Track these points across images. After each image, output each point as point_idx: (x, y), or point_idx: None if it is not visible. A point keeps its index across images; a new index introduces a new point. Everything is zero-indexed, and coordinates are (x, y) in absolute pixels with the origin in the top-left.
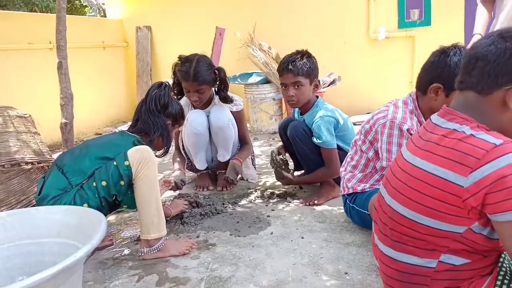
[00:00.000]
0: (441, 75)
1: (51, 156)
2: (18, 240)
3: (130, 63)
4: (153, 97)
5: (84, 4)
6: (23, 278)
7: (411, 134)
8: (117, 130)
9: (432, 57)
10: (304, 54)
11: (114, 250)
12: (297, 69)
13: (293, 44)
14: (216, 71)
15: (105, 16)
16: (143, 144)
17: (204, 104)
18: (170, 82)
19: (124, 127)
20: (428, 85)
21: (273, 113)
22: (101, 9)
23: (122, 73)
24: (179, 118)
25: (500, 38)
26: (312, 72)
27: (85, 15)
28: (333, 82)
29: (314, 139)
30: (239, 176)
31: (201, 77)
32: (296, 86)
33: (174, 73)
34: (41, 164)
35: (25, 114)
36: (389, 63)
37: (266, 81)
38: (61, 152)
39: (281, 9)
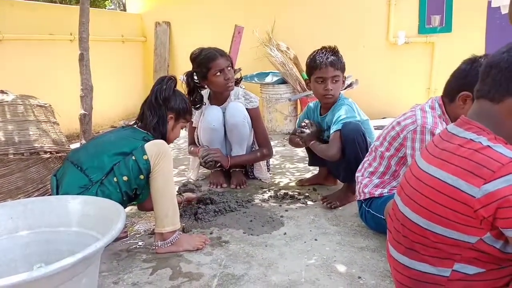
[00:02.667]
0: (471, 84)
1: (69, 146)
2: (37, 227)
3: (148, 58)
4: (154, 91)
5: None
6: (41, 265)
7: None
8: (125, 125)
9: (464, 65)
10: (336, 50)
11: (128, 242)
12: (336, 63)
13: (311, 45)
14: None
15: (125, 10)
16: (151, 139)
17: (220, 101)
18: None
19: (132, 122)
20: (456, 93)
21: (288, 114)
22: (121, 3)
23: (140, 68)
24: (183, 112)
25: None
26: (344, 68)
27: (105, 8)
28: (350, 85)
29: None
30: (208, 157)
31: (223, 52)
32: (334, 81)
33: (190, 78)
34: (59, 154)
35: (45, 104)
36: (407, 69)
37: (283, 81)
38: (76, 145)
39: (300, 10)
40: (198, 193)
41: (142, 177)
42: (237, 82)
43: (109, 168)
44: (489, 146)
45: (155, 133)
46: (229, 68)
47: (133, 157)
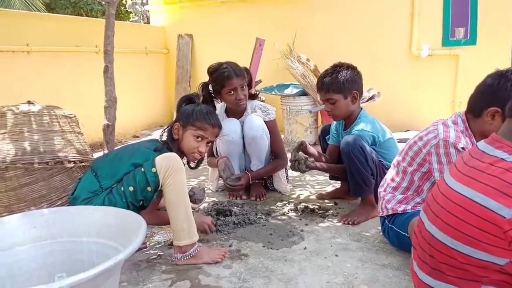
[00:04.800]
0: (501, 100)
1: (92, 155)
2: (59, 237)
3: (170, 70)
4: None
5: (129, 10)
6: (62, 276)
7: None
8: (155, 138)
9: (490, 79)
10: (336, 70)
11: (148, 252)
12: (327, 87)
13: (332, 57)
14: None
15: (149, 23)
16: (161, 149)
17: (238, 114)
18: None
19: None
20: (484, 108)
21: (308, 126)
22: (145, 16)
23: (162, 79)
24: (186, 118)
25: None
26: (343, 87)
27: (128, 20)
28: (372, 98)
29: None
30: (230, 177)
31: (240, 72)
32: (329, 103)
33: (205, 89)
34: (83, 164)
35: (71, 114)
36: (430, 82)
37: (303, 93)
38: (99, 154)
39: (321, 22)
40: (203, 195)
41: (149, 189)
42: (254, 97)
43: (120, 176)
44: None
45: (171, 145)
46: (243, 87)
47: (142, 169)
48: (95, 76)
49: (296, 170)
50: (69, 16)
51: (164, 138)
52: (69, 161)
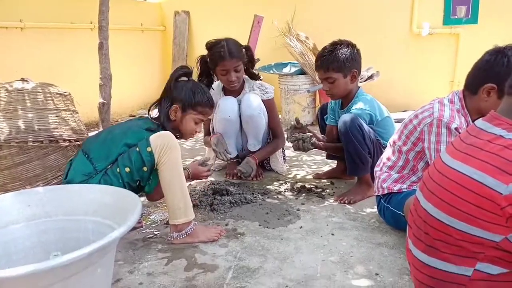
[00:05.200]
0: (497, 76)
1: (88, 135)
2: (54, 215)
3: (167, 48)
4: (167, 84)
5: None
6: (57, 254)
7: (459, 133)
8: (143, 115)
9: (487, 56)
10: (335, 47)
11: (144, 231)
12: (326, 65)
13: (331, 35)
14: (244, 49)
15: None
16: (154, 127)
17: (235, 92)
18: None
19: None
20: (480, 85)
21: (306, 105)
22: None
23: (158, 57)
24: (188, 103)
25: None
26: (344, 65)
27: None
28: (371, 77)
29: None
30: (251, 173)
31: (236, 53)
32: (328, 82)
33: (202, 64)
34: (78, 142)
35: (65, 92)
36: (430, 60)
37: (301, 72)
38: (94, 133)
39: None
40: (208, 166)
41: (145, 169)
42: (254, 77)
43: (114, 157)
44: None
45: (165, 124)
46: (238, 68)
47: (137, 149)
48: (90, 53)
49: (299, 150)
50: None
51: (154, 115)
52: (64, 140)
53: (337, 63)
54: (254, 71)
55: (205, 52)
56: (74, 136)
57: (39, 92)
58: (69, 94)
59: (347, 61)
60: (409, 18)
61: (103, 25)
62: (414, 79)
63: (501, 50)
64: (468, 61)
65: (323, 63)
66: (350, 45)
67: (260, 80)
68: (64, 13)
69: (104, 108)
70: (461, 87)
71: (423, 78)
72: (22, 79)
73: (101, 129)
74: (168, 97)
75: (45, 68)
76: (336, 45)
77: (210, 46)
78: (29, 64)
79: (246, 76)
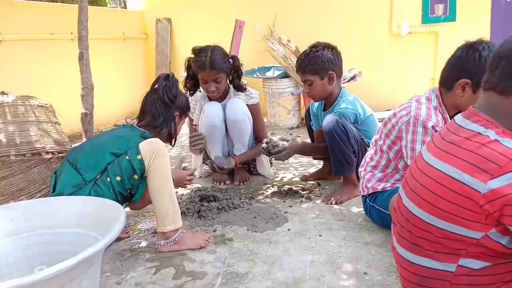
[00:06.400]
0: (469, 71)
1: (71, 146)
2: (38, 229)
3: (150, 56)
4: (162, 89)
5: None
6: (42, 268)
7: (436, 131)
8: (126, 123)
9: (459, 51)
10: (311, 50)
11: (131, 241)
12: (303, 68)
13: (313, 37)
14: (230, 59)
15: (126, 8)
16: (149, 137)
17: (220, 97)
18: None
19: (133, 121)
20: (454, 81)
21: (291, 108)
22: (121, 0)
23: (142, 65)
24: (186, 109)
25: None
26: (319, 67)
27: (106, 6)
28: (353, 78)
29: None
30: (225, 166)
31: (217, 65)
32: (307, 84)
33: (188, 66)
34: (62, 154)
35: (46, 104)
36: (411, 59)
37: (285, 75)
38: (75, 145)
39: (301, 2)
40: (191, 170)
41: (136, 177)
42: (240, 89)
43: (103, 167)
44: (497, 140)
45: (162, 131)
46: (218, 80)
47: (127, 157)
48: (71, 64)
49: (273, 155)
50: (43, 3)
51: (143, 123)
52: (47, 152)
53: (312, 65)
54: (239, 81)
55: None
56: (57, 148)
57: (19, 105)
58: (51, 105)
59: (323, 63)
60: (388, 18)
61: (83, 35)
62: (396, 78)
63: (472, 46)
64: (448, 58)
65: (300, 66)
66: (328, 47)
67: (246, 91)
68: (43, 24)
69: (87, 118)
70: None
71: (404, 77)
72: (2, 93)
73: (84, 140)
74: (167, 105)
75: (25, 80)
76: (313, 48)
77: (194, 52)
78: (9, 77)
79: None
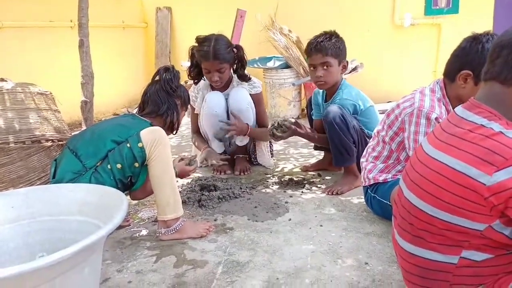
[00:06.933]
0: (471, 62)
1: (71, 134)
2: (39, 216)
3: (149, 44)
4: (165, 80)
5: None
6: (43, 255)
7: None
8: (127, 112)
9: (464, 43)
10: (333, 35)
11: (132, 229)
12: (326, 49)
13: (314, 28)
14: (234, 49)
15: None
16: (148, 126)
17: (223, 87)
18: (188, 65)
19: (135, 110)
20: (457, 72)
21: (291, 99)
22: None
23: (141, 54)
24: (186, 101)
25: None
26: (340, 53)
27: None
28: (354, 69)
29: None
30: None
31: (221, 55)
32: (324, 67)
33: (192, 55)
34: (61, 142)
35: (46, 91)
36: (413, 51)
37: (286, 65)
38: (75, 133)
39: None
40: (195, 165)
41: (137, 165)
42: (244, 79)
43: (103, 154)
44: (501, 132)
45: (165, 119)
46: (222, 70)
47: (128, 145)
48: (71, 52)
49: (276, 136)
50: None
51: (145, 112)
52: (47, 140)
53: (335, 49)
54: (244, 71)
55: (188, 48)
56: (57, 135)
57: (19, 92)
58: (50, 93)
59: (342, 50)
60: (391, 9)
61: (83, 22)
62: (398, 70)
63: (477, 37)
64: (450, 51)
65: (322, 47)
66: (339, 36)
67: (250, 81)
68: (43, 12)
69: (86, 106)
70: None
71: (406, 69)
72: (1, 79)
73: (84, 128)
74: (169, 95)
75: (25, 67)
76: (331, 34)
77: (198, 42)
78: (8, 64)
79: None
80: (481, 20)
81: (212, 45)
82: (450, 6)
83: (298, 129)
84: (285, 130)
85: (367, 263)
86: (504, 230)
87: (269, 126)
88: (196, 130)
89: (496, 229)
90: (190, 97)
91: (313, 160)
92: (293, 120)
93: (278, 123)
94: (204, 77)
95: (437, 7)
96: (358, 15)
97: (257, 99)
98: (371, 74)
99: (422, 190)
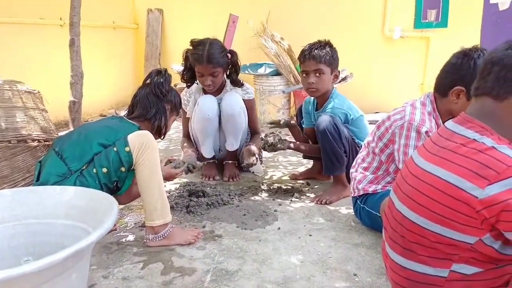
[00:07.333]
0: (464, 78)
1: (57, 134)
2: (24, 219)
3: (139, 46)
4: (155, 83)
5: None
6: (29, 259)
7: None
8: (115, 114)
9: (454, 58)
10: (327, 44)
11: (118, 234)
12: (320, 57)
13: (306, 36)
14: (228, 54)
15: None
16: (138, 130)
17: (216, 91)
18: (179, 68)
19: (123, 112)
20: (449, 88)
21: (281, 106)
22: None
23: (131, 56)
24: (177, 106)
25: None
26: (333, 62)
27: None
28: (344, 79)
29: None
30: (255, 158)
31: (215, 60)
32: (317, 74)
33: (186, 58)
34: (48, 142)
35: (34, 90)
36: (402, 63)
37: (277, 73)
38: (61, 134)
39: (296, 0)
40: (182, 167)
41: (123, 169)
42: (237, 84)
43: (89, 158)
44: (493, 147)
45: (151, 123)
46: (215, 74)
47: (115, 148)
48: (60, 51)
49: (271, 149)
50: None
51: (133, 115)
52: (33, 140)
53: (329, 58)
54: (237, 77)
55: (178, 51)
56: (44, 135)
57: (6, 89)
58: (38, 92)
59: (334, 60)
60: (381, 21)
61: (75, 21)
62: (386, 81)
63: (467, 53)
64: (437, 64)
65: (316, 54)
66: (333, 46)
67: (243, 87)
68: (32, 9)
69: (75, 107)
70: (431, 89)
71: (394, 81)
72: None
73: (71, 129)
74: (159, 99)
75: (13, 65)
76: (326, 43)
77: (193, 45)
78: None
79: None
80: (469, 35)
81: (206, 49)
82: (439, 20)
83: (290, 145)
84: (278, 144)
85: (356, 275)
86: (494, 244)
87: (263, 140)
88: (187, 134)
89: (486, 243)
90: (182, 101)
91: (302, 169)
92: (288, 119)
93: (272, 143)
94: (197, 80)
95: (426, 21)
96: (349, 25)
97: (249, 105)
98: (360, 84)
99: (414, 202)
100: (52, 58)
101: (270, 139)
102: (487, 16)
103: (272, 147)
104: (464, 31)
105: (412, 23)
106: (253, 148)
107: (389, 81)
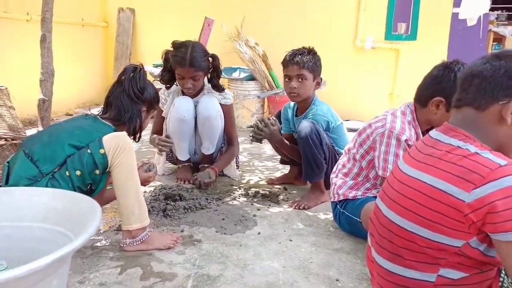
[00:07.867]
0: (444, 90)
1: (25, 133)
2: None
3: (109, 45)
4: (129, 82)
5: None
6: (2, 263)
7: (408, 145)
8: (89, 113)
9: (436, 70)
10: (311, 51)
11: (92, 238)
12: (303, 62)
13: (280, 43)
14: (210, 58)
15: None
16: (111, 131)
17: (194, 93)
18: (150, 69)
19: (96, 111)
20: (429, 98)
21: (255, 111)
22: None
23: (100, 54)
24: (154, 102)
25: (494, 57)
26: (316, 69)
27: None
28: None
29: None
30: (209, 184)
31: (197, 63)
32: (299, 79)
33: (166, 59)
34: (15, 141)
35: (2, 86)
36: (372, 73)
37: (251, 77)
38: (32, 132)
39: (270, 7)
40: (154, 170)
41: (97, 172)
42: (218, 89)
43: (62, 160)
44: (477, 152)
45: (126, 127)
46: (196, 77)
47: (89, 150)
48: (27, 47)
49: (258, 135)
50: None
51: (107, 115)
52: (0, 138)
53: (312, 64)
54: (218, 81)
55: (150, 51)
56: (11, 134)
57: None
58: (6, 88)
59: (317, 67)
60: (354, 31)
61: (47, 16)
62: (357, 90)
63: (448, 66)
64: (406, 74)
65: (300, 59)
66: (317, 53)
67: (223, 91)
68: None
69: (44, 105)
70: (400, 99)
71: (364, 89)
72: None
73: (40, 128)
74: (133, 99)
75: None
76: (310, 50)
77: (174, 47)
78: None
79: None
80: (437, 48)
81: (189, 52)
82: (409, 33)
83: (276, 133)
84: (266, 125)
85: (338, 280)
86: (479, 246)
87: (252, 125)
88: (156, 132)
89: (472, 246)
90: (160, 99)
91: (278, 174)
92: (271, 119)
93: (266, 123)
94: (177, 82)
95: (397, 33)
96: (323, 34)
97: (227, 110)
98: (332, 93)
99: (402, 207)
100: (17, 54)
101: (264, 121)
102: (454, 31)
103: (265, 125)
104: (432, 44)
105: (383, 35)
106: (211, 177)
107: (359, 90)
